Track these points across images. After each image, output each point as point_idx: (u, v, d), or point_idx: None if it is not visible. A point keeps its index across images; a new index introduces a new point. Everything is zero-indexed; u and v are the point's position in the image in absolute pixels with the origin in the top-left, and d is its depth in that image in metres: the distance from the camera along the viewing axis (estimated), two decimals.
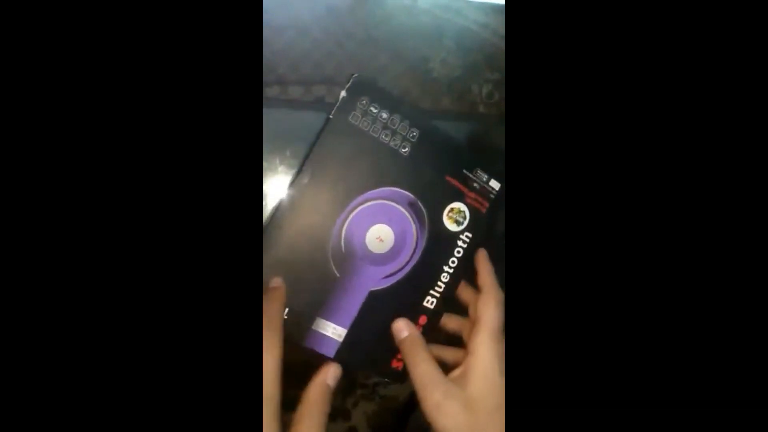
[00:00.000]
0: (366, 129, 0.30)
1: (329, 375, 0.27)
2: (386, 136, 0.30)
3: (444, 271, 0.32)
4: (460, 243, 0.32)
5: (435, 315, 0.33)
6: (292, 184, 0.29)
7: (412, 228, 0.31)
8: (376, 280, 0.31)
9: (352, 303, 0.31)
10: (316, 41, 0.37)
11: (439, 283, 0.32)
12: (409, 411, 0.44)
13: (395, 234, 0.31)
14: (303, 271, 0.30)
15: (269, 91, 0.36)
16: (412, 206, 0.31)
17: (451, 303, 0.33)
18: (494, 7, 0.41)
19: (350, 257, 0.30)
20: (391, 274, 0.31)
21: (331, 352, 0.31)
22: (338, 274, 0.30)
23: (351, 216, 0.30)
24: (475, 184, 0.32)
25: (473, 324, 0.30)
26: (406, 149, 0.30)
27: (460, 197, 0.32)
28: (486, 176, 0.33)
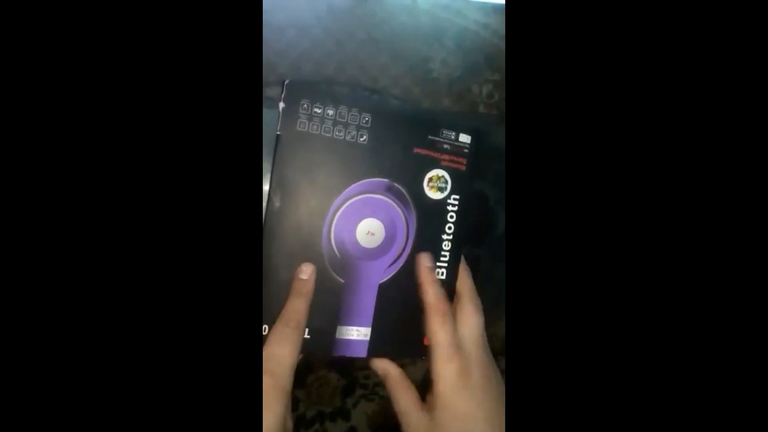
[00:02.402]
0: (317, 132, 0.29)
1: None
2: (340, 131, 0.29)
3: (444, 240, 0.32)
4: (450, 208, 0.32)
5: (448, 282, 0.32)
6: (267, 214, 0.28)
7: (398, 211, 0.31)
8: (380, 272, 0.31)
9: (366, 301, 0.31)
10: (316, 41, 0.37)
11: (443, 253, 0.32)
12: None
13: (384, 223, 0.31)
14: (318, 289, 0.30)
15: (269, 91, 0.36)
16: (390, 190, 0.31)
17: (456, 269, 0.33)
18: (494, 7, 0.41)
19: (348, 260, 0.30)
20: (394, 262, 0.31)
21: (363, 353, 0.31)
22: (342, 280, 0.30)
23: (334, 221, 0.30)
24: (445, 146, 0.31)
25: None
26: (364, 137, 0.30)
27: (435, 164, 0.31)
28: (453, 134, 0.32)
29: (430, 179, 0.31)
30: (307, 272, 0.29)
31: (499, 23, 0.42)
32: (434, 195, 0.31)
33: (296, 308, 0.27)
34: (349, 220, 0.30)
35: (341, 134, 0.29)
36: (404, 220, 0.31)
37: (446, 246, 0.32)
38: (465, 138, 0.32)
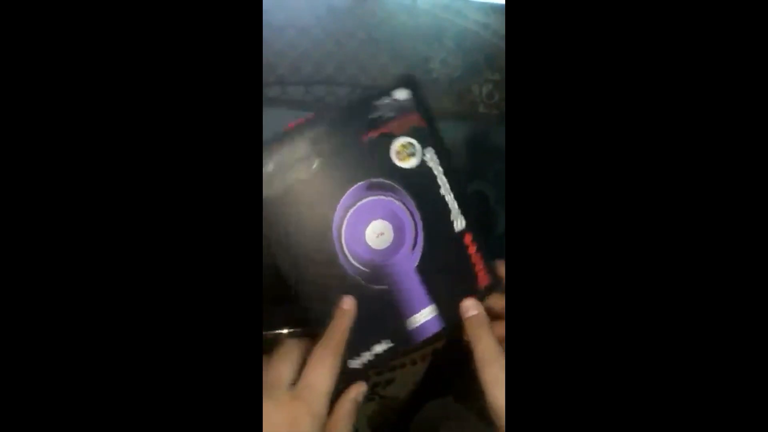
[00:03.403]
0: (292, 179, 0.29)
1: (359, 392, 0.29)
2: (305, 164, 0.29)
3: (448, 195, 0.32)
4: (432, 165, 0.31)
5: (474, 228, 0.32)
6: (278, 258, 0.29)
7: (392, 200, 0.31)
8: (410, 259, 0.31)
9: (415, 288, 0.31)
10: (316, 41, 0.37)
11: (453, 206, 0.32)
12: (410, 411, 0.44)
13: (386, 219, 0.31)
14: (360, 312, 0.30)
15: (269, 91, 0.36)
16: (372, 188, 0.30)
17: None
18: (494, 7, 0.41)
19: (377, 269, 0.31)
20: (415, 245, 0.31)
21: (437, 327, 0.32)
22: (384, 286, 0.31)
23: (344, 244, 0.30)
24: (390, 113, 0.30)
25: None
26: (315, 164, 0.29)
27: (390, 137, 0.30)
28: (387, 99, 0.30)
29: (397, 152, 0.30)
30: (348, 303, 0.30)
31: (499, 23, 0.42)
32: (410, 163, 0.31)
33: (336, 334, 0.28)
34: (355, 234, 0.30)
35: (308, 166, 0.29)
36: (402, 205, 0.31)
37: (450, 199, 0.32)
38: (402, 94, 0.30)
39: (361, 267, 0.31)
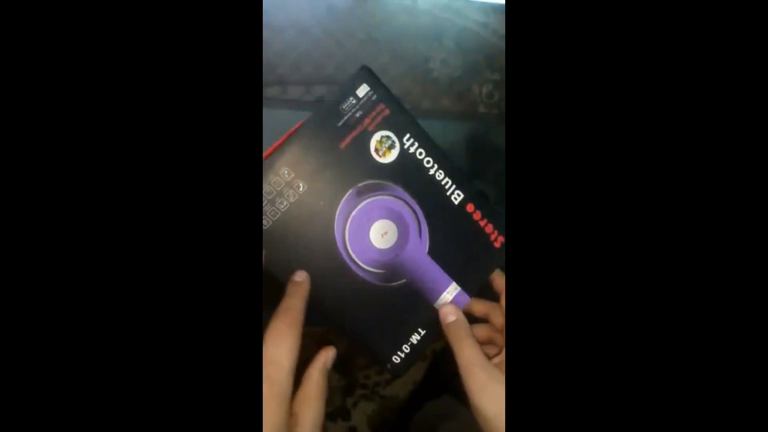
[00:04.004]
0: (289, 201, 0.29)
1: (328, 358, 0.28)
2: (288, 196, 0.29)
3: (437, 173, 0.31)
4: (413, 149, 0.31)
5: (474, 196, 0.32)
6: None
7: (386, 197, 0.31)
8: (419, 248, 0.32)
9: (432, 271, 0.32)
10: (316, 41, 0.37)
11: (446, 181, 0.32)
12: (410, 411, 0.44)
13: (386, 217, 0.31)
14: (388, 311, 0.31)
15: (269, 91, 0.36)
16: (363, 192, 0.30)
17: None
18: (494, 7, 0.41)
19: (390, 267, 0.31)
20: (421, 233, 0.31)
21: (466, 298, 0.33)
22: (402, 280, 0.31)
23: (351, 253, 0.30)
24: (358, 113, 0.29)
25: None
26: (301, 187, 0.29)
27: (365, 135, 0.30)
28: (351, 99, 0.29)
29: (376, 149, 0.30)
30: (301, 275, 0.29)
31: (498, 23, 0.42)
32: (392, 156, 0.30)
33: (294, 306, 0.27)
34: (360, 240, 0.30)
35: (295, 189, 0.29)
36: (397, 199, 0.31)
37: (446, 180, 0.32)
38: (362, 90, 0.30)
39: (374, 270, 0.31)
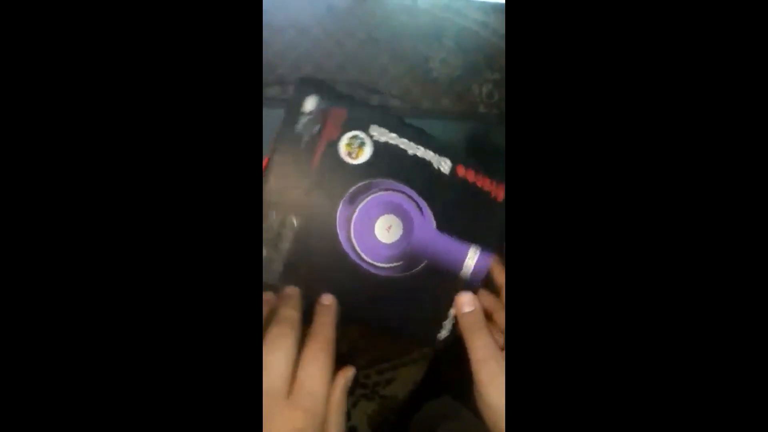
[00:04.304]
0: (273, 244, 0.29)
1: (347, 378, 0.28)
2: (286, 232, 0.29)
3: (416, 150, 0.31)
4: (384, 137, 0.30)
5: (461, 158, 0.32)
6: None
7: (377, 194, 0.30)
8: (427, 227, 0.31)
9: (447, 243, 0.32)
10: (316, 41, 0.37)
11: (428, 154, 0.31)
12: (410, 411, 0.44)
13: (385, 212, 0.31)
14: (419, 297, 0.32)
15: (269, 91, 0.36)
16: (353, 198, 0.30)
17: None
18: (494, 7, 0.41)
19: (404, 257, 0.31)
20: (422, 211, 0.31)
21: (489, 259, 0.33)
22: (421, 264, 0.31)
23: (366, 259, 0.30)
24: (315, 127, 0.28)
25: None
26: (294, 221, 0.29)
27: (332, 145, 0.29)
28: (306, 117, 0.28)
29: (348, 153, 0.29)
30: (328, 298, 0.29)
31: (498, 22, 0.42)
32: (366, 154, 0.30)
33: (323, 332, 0.27)
34: (369, 244, 0.30)
35: (290, 226, 0.29)
36: (391, 191, 0.31)
37: (422, 152, 0.31)
38: (310, 103, 0.28)
39: (393, 264, 0.31)
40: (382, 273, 0.31)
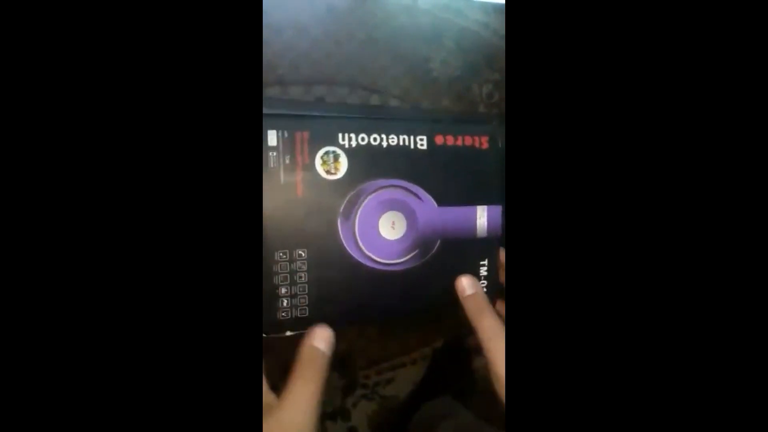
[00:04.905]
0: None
1: (322, 338, 0.28)
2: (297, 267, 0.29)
3: (397, 138, 0.31)
4: (354, 141, 0.29)
5: (444, 127, 0.32)
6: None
7: (370, 197, 0.30)
8: (429, 208, 0.32)
9: (455, 215, 0.32)
10: (316, 41, 0.37)
11: (412, 138, 0.31)
12: (410, 411, 0.44)
13: (383, 210, 0.31)
14: (446, 273, 0.32)
15: (269, 91, 0.36)
16: (347, 212, 0.30)
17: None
18: (494, 7, 0.41)
19: (417, 244, 0.31)
20: (419, 196, 0.31)
21: (500, 212, 0.33)
22: (437, 243, 0.32)
23: (379, 260, 0.31)
24: (286, 159, 0.28)
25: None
26: (303, 253, 0.29)
27: (310, 168, 0.28)
28: (272, 152, 0.28)
29: (327, 171, 0.29)
30: (320, 336, 0.28)
31: (499, 23, 0.42)
32: (343, 165, 0.29)
33: (309, 378, 0.26)
34: (379, 247, 0.31)
35: (300, 261, 0.29)
36: (381, 190, 0.30)
37: (403, 139, 0.31)
38: (271, 137, 0.28)
39: (410, 256, 0.31)
40: (402, 267, 0.31)
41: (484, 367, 0.29)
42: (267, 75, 0.35)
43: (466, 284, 0.32)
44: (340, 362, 0.42)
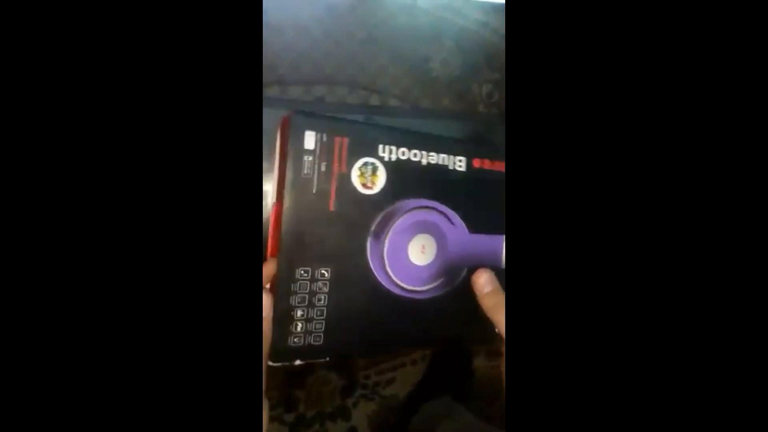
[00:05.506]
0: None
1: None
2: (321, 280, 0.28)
3: (436, 156, 0.29)
4: (394, 154, 0.28)
5: (475, 154, 0.31)
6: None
7: (404, 217, 0.28)
8: (461, 234, 0.30)
9: (485, 243, 0.31)
10: (316, 41, 0.37)
11: (441, 158, 0.29)
12: (410, 411, 0.44)
13: (414, 233, 0.29)
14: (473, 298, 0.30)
15: (269, 91, 0.36)
16: (377, 232, 0.28)
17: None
18: (494, 7, 0.41)
19: (446, 271, 0.30)
20: (452, 220, 0.30)
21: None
22: (464, 270, 0.30)
23: (407, 286, 0.29)
24: (322, 166, 0.26)
25: None
26: (328, 272, 0.27)
27: (345, 178, 0.26)
28: (307, 156, 0.25)
29: (363, 184, 0.27)
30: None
31: (499, 22, 0.42)
32: (381, 179, 0.27)
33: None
34: (407, 271, 0.29)
35: (325, 278, 0.27)
36: (414, 211, 0.29)
37: (443, 159, 0.29)
38: (309, 139, 0.25)
39: (433, 284, 0.30)
40: (426, 295, 0.29)
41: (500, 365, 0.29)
42: (267, 75, 0.35)
43: (484, 281, 0.31)
44: (340, 362, 0.42)
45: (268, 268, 0.27)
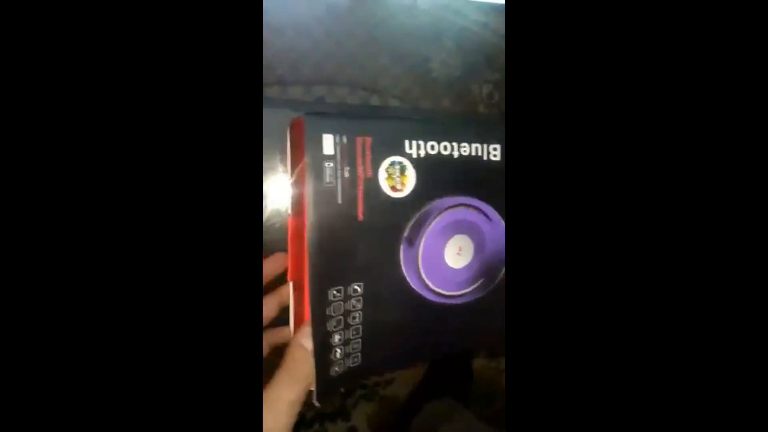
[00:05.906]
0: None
1: (306, 335, 0.24)
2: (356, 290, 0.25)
3: (468, 147, 0.26)
4: (423, 149, 0.24)
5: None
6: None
7: (438, 218, 0.26)
8: (498, 232, 0.28)
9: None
10: (316, 41, 0.37)
11: (481, 149, 0.26)
12: (410, 411, 0.44)
13: (450, 235, 0.27)
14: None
15: (269, 91, 0.36)
16: (411, 237, 0.25)
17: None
18: (494, 7, 0.41)
19: (484, 272, 0.28)
20: (489, 216, 0.28)
21: None
22: (501, 274, 0.28)
23: (446, 293, 0.27)
24: (345, 172, 0.23)
25: None
26: (359, 289, 0.25)
27: (372, 183, 0.23)
28: (328, 162, 0.22)
29: (393, 188, 0.24)
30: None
31: (498, 22, 0.42)
32: (411, 178, 0.24)
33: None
34: (444, 276, 0.27)
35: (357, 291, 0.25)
36: (448, 210, 0.26)
37: (476, 149, 0.26)
38: (327, 143, 0.22)
39: (471, 287, 0.28)
40: (464, 299, 0.28)
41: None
42: (267, 75, 0.35)
43: None
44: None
45: (284, 293, 0.24)
